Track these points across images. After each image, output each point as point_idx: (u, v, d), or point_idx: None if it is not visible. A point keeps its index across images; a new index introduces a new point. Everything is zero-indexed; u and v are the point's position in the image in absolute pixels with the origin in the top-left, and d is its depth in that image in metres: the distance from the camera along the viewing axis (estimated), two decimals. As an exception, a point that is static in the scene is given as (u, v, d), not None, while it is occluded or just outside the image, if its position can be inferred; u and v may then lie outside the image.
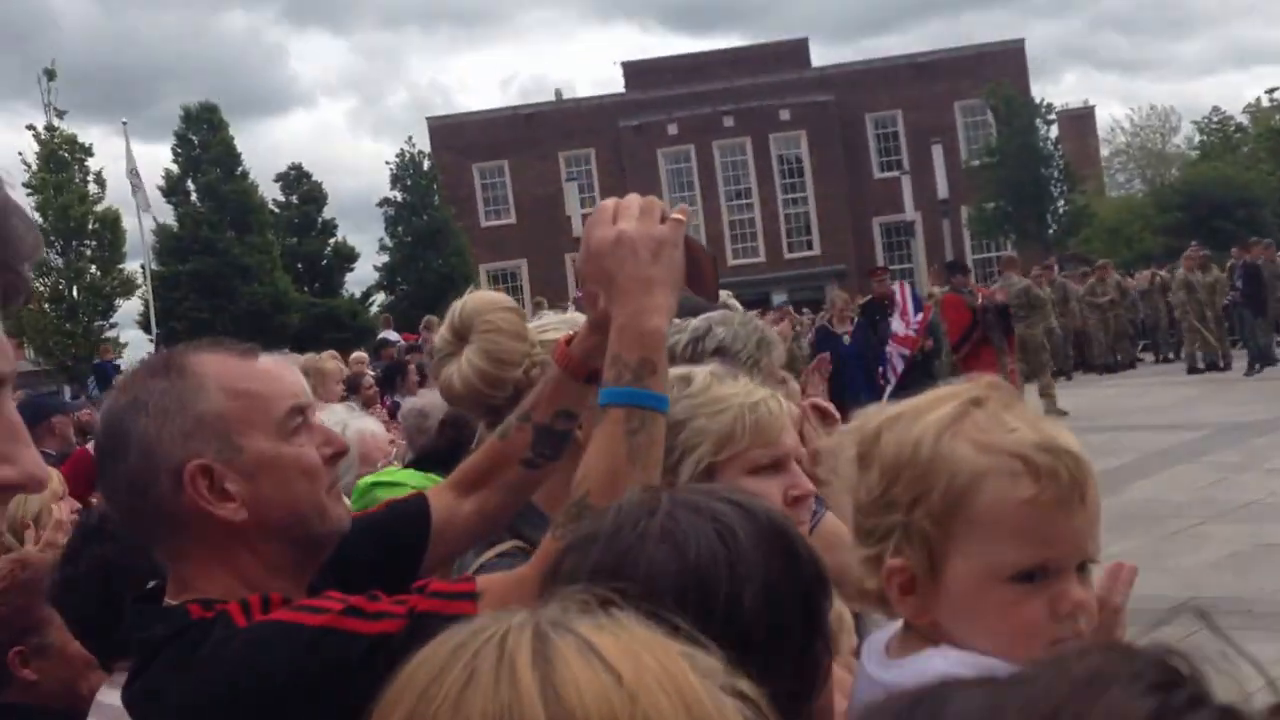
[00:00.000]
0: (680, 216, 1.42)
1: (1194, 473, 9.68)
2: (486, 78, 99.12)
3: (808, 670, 1.10)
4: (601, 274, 1.39)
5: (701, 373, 1.68)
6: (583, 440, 1.53)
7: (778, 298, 38.47)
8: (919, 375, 9.68)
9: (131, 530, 1.39)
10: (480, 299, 2.08)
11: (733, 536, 1.07)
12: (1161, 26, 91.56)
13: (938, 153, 33.31)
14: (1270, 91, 44.53)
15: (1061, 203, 35.91)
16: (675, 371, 1.68)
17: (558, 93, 51.79)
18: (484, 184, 47.49)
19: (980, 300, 12.54)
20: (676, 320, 2.30)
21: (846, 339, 10.78)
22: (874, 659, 1.23)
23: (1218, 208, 34.00)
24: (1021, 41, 44.73)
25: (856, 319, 11.31)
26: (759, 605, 1.06)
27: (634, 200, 1.41)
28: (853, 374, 10.20)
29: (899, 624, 1.23)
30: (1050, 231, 34.95)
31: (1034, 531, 1.12)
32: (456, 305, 2.08)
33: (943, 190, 32.98)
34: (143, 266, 29.79)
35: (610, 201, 1.43)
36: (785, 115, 44.00)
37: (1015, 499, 1.11)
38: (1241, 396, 14.63)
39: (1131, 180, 48.28)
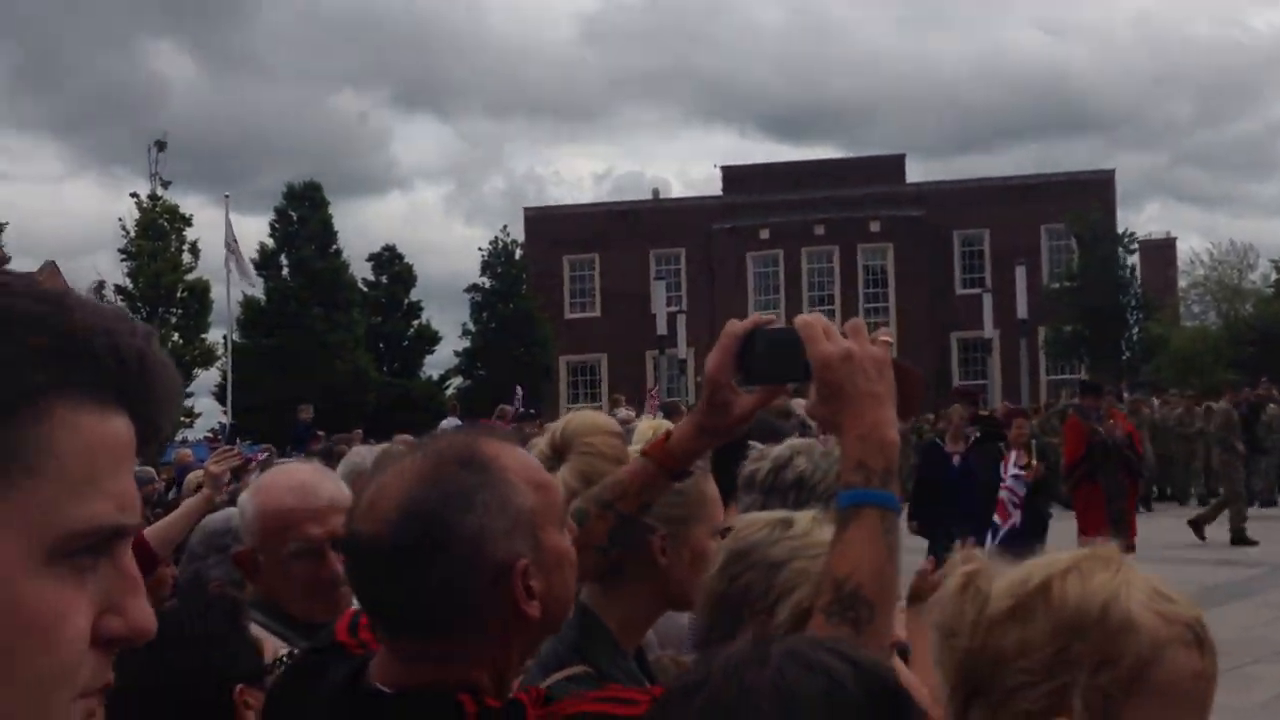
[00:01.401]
0: (888, 339, 1.48)
1: (1246, 610, 9.89)
2: (583, 172, 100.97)
3: None
4: (831, 387, 1.42)
5: (804, 517, 1.67)
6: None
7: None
8: (1029, 515, 9.30)
9: (403, 621, 1.29)
10: (584, 419, 2.13)
11: (843, 693, 0.99)
12: (1242, 165, 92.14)
13: (1020, 273, 34.25)
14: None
15: (1136, 330, 36.71)
16: (777, 515, 1.71)
17: (655, 191, 52.73)
18: (573, 275, 48.01)
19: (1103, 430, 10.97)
20: (758, 446, 2.45)
21: (956, 459, 9.47)
22: None
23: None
24: (1111, 172, 45.73)
25: (974, 437, 9.89)
26: None
27: (852, 323, 1.49)
28: (962, 500, 9.07)
29: None
30: (1124, 358, 35.76)
31: (1200, 704, 1.13)
32: (559, 423, 2.14)
33: (1022, 310, 33.87)
34: (225, 337, 30.03)
35: (815, 318, 1.49)
36: (875, 227, 44.80)
37: (1191, 670, 1.12)
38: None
39: (1206, 312, 48.81)
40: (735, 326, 1.53)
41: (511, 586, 1.26)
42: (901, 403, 1.46)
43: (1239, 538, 14.45)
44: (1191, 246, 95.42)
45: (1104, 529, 10.08)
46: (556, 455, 2.01)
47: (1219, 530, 16.00)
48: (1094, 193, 41.61)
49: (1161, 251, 46.99)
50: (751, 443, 2.43)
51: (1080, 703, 1.10)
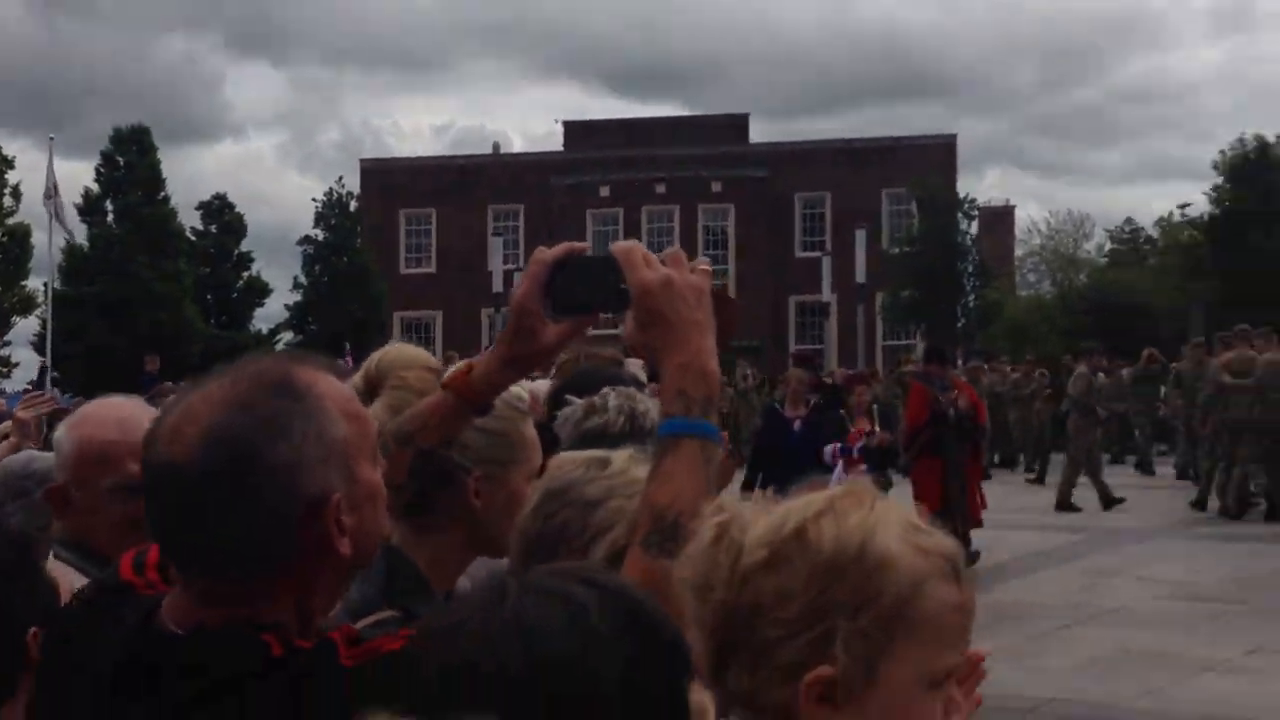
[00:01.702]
0: (707, 268, 1.49)
1: (1068, 575, 10.03)
2: (422, 124, 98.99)
3: None
4: (652, 315, 1.43)
5: (621, 455, 1.65)
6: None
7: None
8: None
9: (204, 557, 1.21)
10: (399, 353, 2.07)
11: (587, 622, 1.01)
12: (1082, 134, 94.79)
13: (860, 237, 34.07)
14: (1182, 207, 46.34)
15: (973, 297, 36.82)
16: (594, 454, 1.68)
17: (495, 146, 51.93)
18: (409, 230, 47.35)
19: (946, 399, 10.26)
20: (575, 400, 2.39)
21: (797, 424, 9.09)
22: None
23: (1121, 315, 35.17)
24: (953, 137, 46.00)
25: (813, 402, 9.64)
26: (617, 696, 1.01)
27: (671, 252, 1.47)
28: (802, 466, 8.63)
29: None
30: (960, 324, 35.82)
31: (960, 635, 1.13)
32: (375, 355, 2.07)
33: (861, 274, 33.72)
34: (46, 284, 29.21)
35: (633, 245, 1.48)
36: (717, 188, 44.75)
37: (951, 603, 1.11)
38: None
39: (1042, 281, 49.72)
40: (545, 254, 1.53)
41: (324, 521, 1.21)
42: (720, 331, 1.46)
43: (1064, 503, 14.34)
44: (1030, 215, 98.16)
45: (938, 503, 9.48)
46: (370, 389, 1.96)
47: (1041, 497, 16.18)
48: (936, 158, 41.76)
49: (1000, 219, 47.48)
50: (568, 396, 2.41)
51: (842, 648, 1.08)
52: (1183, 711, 6.05)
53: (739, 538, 1.13)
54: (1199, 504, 13.84)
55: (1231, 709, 6.02)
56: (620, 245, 1.48)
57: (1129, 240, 53.46)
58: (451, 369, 1.78)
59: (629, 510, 1.50)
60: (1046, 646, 7.56)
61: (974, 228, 39.20)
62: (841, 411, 9.60)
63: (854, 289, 34.26)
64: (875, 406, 9.79)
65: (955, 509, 9.75)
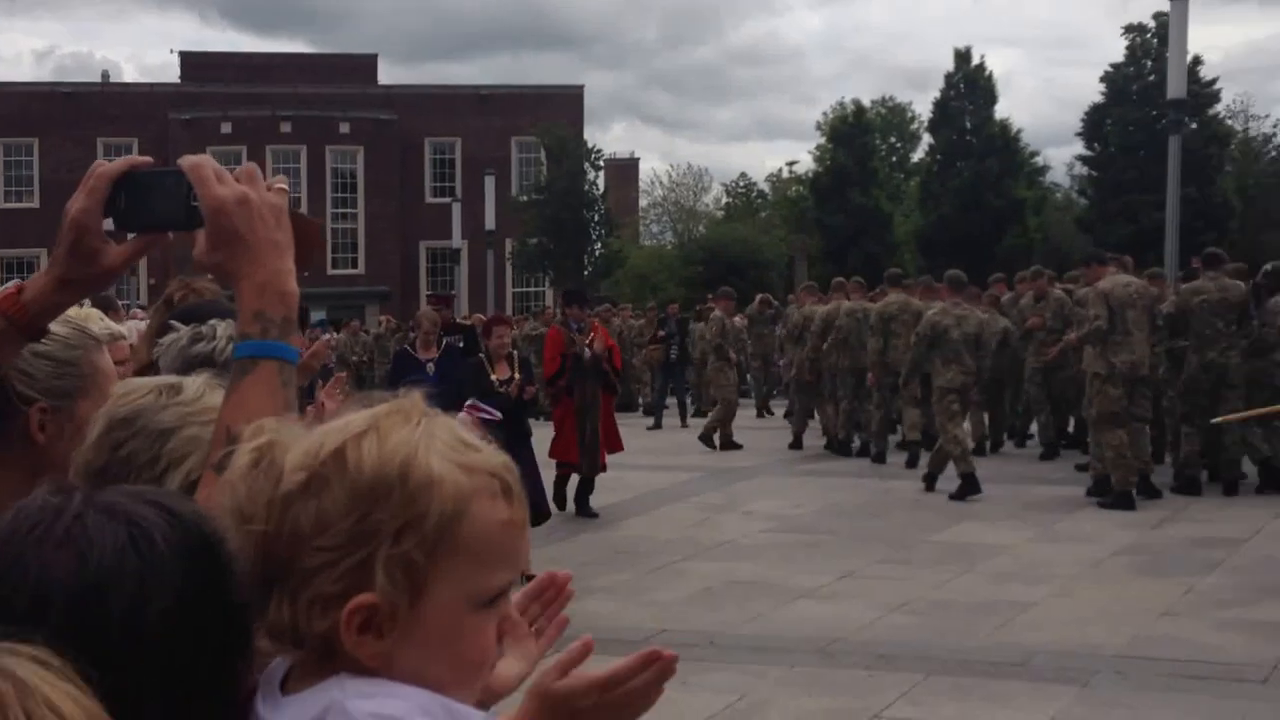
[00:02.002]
0: (284, 186, 1.42)
1: (682, 512, 10.48)
2: (21, 48, 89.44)
3: (224, 690, 1.05)
4: (227, 233, 1.35)
5: (195, 381, 1.59)
6: None
7: (316, 315, 37.54)
8: (512, 430, 7.99)
9: None
10: None
11: (149, 543, 0.99)
12: (701, 90, 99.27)
13: (490, 184, 34.16)
14: (790, 164, 49.59)
15: (599, 246, 37.79)
16: (164, 379, 1.61)
17: (104, 75, 48.33)
18: (8, 161, 43.55)
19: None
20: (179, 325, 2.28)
21: (430, 367, 9.12)
22: (267, 699, 1.09)
23: (734, 266, 37.22)
24: (581, 88, 46.79)
25: (446, 344, 9.61)
26: (169, 620, 1.00)
27: (246, 168, 1.40)
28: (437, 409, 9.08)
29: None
30: (586, 272, 36.69)
31: (510, 554, 1.09)
32: None
33: (490, 221, 33.84)
34: None
35: (204, 159, 1.39)
36: (345, 129, 43.39)
37: (499, 520, 1.08)
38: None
39: (664, 232, 51.88)
40: (106, 167, 1.43)
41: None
42: (299, 254, 1.42)
43: (713, 440, 14.96)
44: (653, 167, 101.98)
45: (573, 448, 9.82)
46: None
47: (660, 438, 16.91)
48: (564, 108, 42.31)
49: (626, 170, 48.97)
50: (172, 322, 2.33)
51: (383, 574, 1.02)
52: (783, 634, 6.46)
53: (279, 461, 1.05)
54: (794, 444, 14.92)
55: (824, 629, 6.49)
56: (189, 159, 1.39)
57: (743, 194, 56.71)
58: None
59: (205, 439, 1.45)
60: (660, 581, 7.86)
61: (601, 178, 40.16)
62: (480, 355, 9.28)
63: (484, 235, 34.34)
64: (515, 352, 9.04)
65: (586, 452, 9.93)
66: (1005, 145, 38.55)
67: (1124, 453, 9.98)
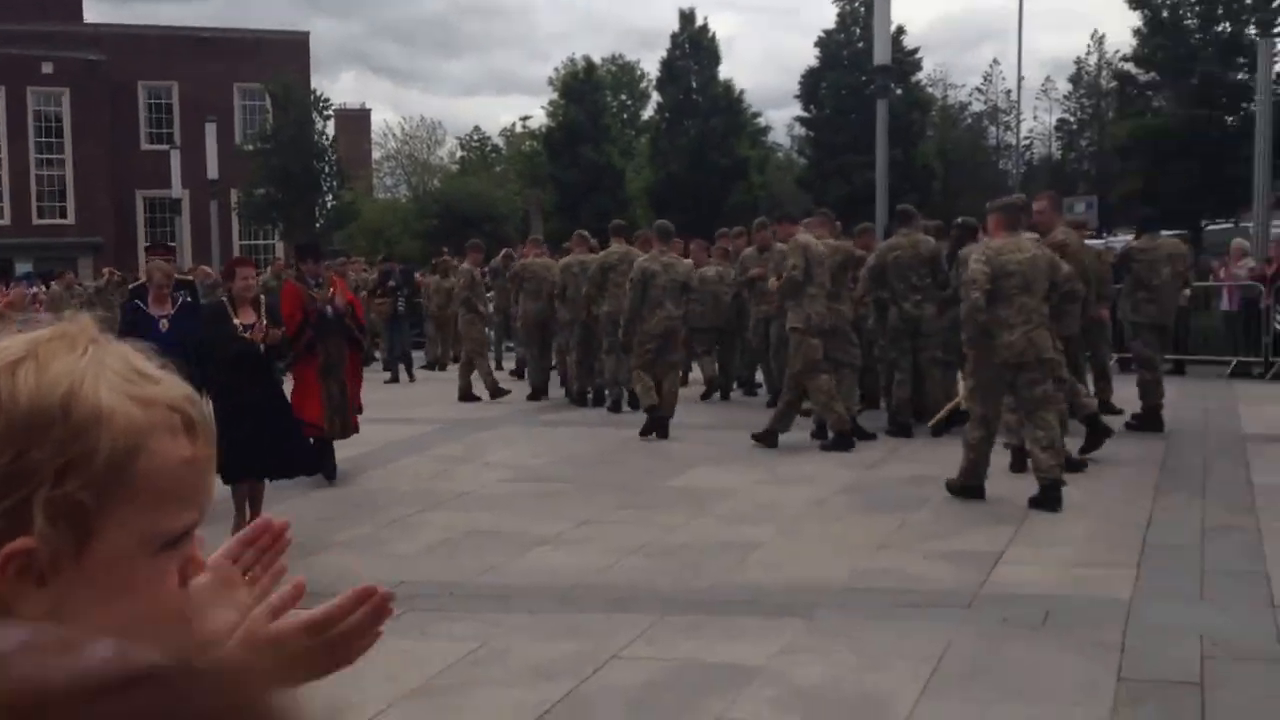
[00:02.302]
0: None
1: (421, 464, 10.36)
2: None
3: None
4: None
5: None
6: None
7: (22, 266, 34.91)
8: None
9: None
10: None
11: None
12: (434, 44, 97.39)
13: (211, 131, 32.44)
14: (524, 119, 49.34)
15: (331, 198, 36.63)
16: None
17: None
18: None
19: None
20: None
21: (164, 324, 8.37)
22: None
23: (469, 220, 36.87)
24: (306, 35, 44.99)
25: (183, 300, 8.81)
26: None
27: None
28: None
29: None
30: (319, 225, 35.51)
31: (192, 493, 1.01)
32: None
33: (213, 170, 32.18)
34: None
35: None
36: (48, 69, 40.27)
37: (178, 458, 0.99)
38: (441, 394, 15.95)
39: (399, 185, 50.76)
40: None
41: None
42: None
43: (495, 391, 14.98)
44: (385, 119, 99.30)
45: (319, 408, 9.23)
46: None
47: (399, 391, 16.75)
48: (289, 55, 40.62)
49: (357, 121, 47.57)
50: None
51: (42, 518, 0.91)
52: (522, 582, 6.49)
53: None
54: (533, 395, 15.01)
55: (563, 575, 6.56)
56: None
57: (477, 148, 56.17)
58: None
59: None
60: (398, 533, 7.74)
61: (330, 128, 38.86)
62: (221, 299, 8.34)
63: (207, 185, 32.65)
64: (262, 296, 8.40)
65: (335, 412, 9.50)
66: (729, 106, 39.71)
67: (833, 397, 10.54)
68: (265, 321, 8.01)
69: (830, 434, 10.58)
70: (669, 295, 11.73)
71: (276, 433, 7.90)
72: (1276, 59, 27.89)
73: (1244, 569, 6.33)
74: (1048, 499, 7.90)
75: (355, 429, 9.77)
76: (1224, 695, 4.57)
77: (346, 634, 1.13)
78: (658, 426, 11.43)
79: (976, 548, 6.92)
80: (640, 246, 13.34)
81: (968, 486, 8.32)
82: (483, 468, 10.19)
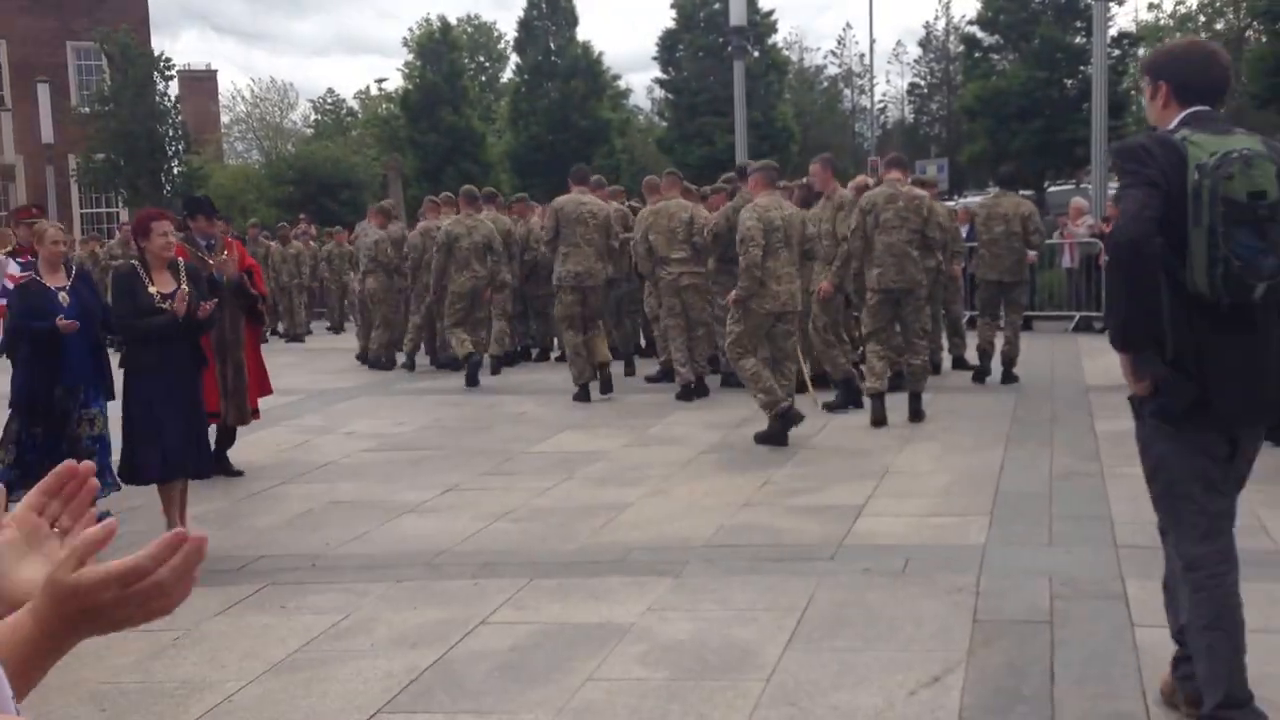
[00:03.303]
0: None
1: (280, 436, 10.11)
2: None
3: None
4: None
5: None
6: None
7: None
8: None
9: None
10: None
11: None
12: (280, 3, 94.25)
13: (44, 93, 30.93)
14: (379, 81, 48.30)
15: (178, 163, 35.28)
16: None
17: None
18: None
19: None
20: None
21: (65, 298, 7.21)
22: None
23: (326, 185, 35.99)
24: (144, -10, 43.06)
25: (77, 269, 7.62)
26: None
27: None
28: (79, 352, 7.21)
29: None
30: (166, 191, 34.19)
31: None
32: None
33: (48, 134, 30.72)
34: None
35: None
36: None
37: None
38: (333, 365, 15.65)
39: (250, 150, 49.19)
40: None
41: None
42: None
43: (378, 361, 15.04)
44: (233, 81, 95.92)
45: (213, 393, 8.03)
46: None
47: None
48: (125, 11, 38.69)
49: (202, 83, 45.73)
50: None
51: None
52: (387, 551, 6.39)
53: None
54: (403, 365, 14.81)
55: (429, 543, 6.49)
56: None
57: (332, 111, 54.78)
58: None
59: None
60: (259, 506, 7.55)
61: (174, 89, 37.34)
62: (132, 262, 6.85)
63: (42, 150, 31.17)
64: (180, 259, 6.81)
65: (232, 392, 8.35)
66: (589, 68, 39.47)
67: (579, 352, 11.39)
68: (186, 288, 6.60)
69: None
70: (474, 255, 12.55)
71: (200, 425, 6.87)
72: (1111, 22, 29.01)
73: (1090, 513, 6.61)
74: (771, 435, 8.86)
75: (255, 414, 8.71)
76: (1071, 632, 4.76)
77: (160, 584, 1.08)
78: (472, 379, 12.45)
79: (839, 502, 7.07)
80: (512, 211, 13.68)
81: (772, 431, 8.88)
82: (345, 437, 10.01)
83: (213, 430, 7.93)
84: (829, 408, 10.23)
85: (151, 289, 6.59)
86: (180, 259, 6.84)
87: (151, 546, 1.07)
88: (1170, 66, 3.72)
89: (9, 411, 7.34)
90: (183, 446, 6.57)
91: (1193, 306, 3.51)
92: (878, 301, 9.62)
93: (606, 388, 11.45)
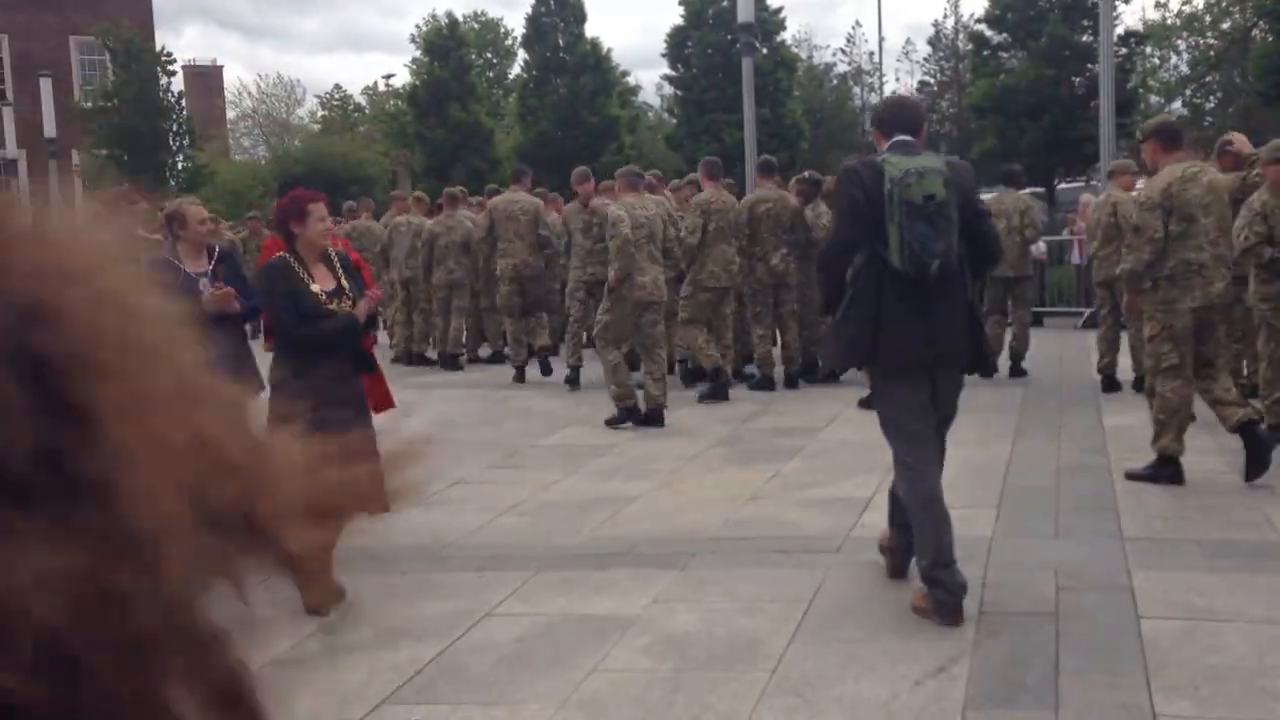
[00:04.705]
0: None
1: (287, 430, 10.09)
2: None
3: None
4: None
5: None
6: None
7: None
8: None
9: None
10: None
11: None
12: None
13: (46, 87, 30.97)
14: (386, 77, 48.41)
15: (182, 159, 35.34)
16: None
17: None
18: None
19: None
20: None
21: (206, 285, 6.14)
22: None
23: (335, 181, 36.02)
24: (145, -15, 43.08)
25: (219, 251, 6.57)
26: None
27: None
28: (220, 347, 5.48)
29: None
30: (171, 187, 34.26)
31: None
32: None
33: (51, 129, 30.78)
34: None
35: None
36: None
37: None
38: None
39: (257, 146, 49.33)
40: None
41: None
42: None
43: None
44: (239, 77, 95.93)
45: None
46: None
47: None
48: (128, 6, 38.75)
49: (207, 79, 45.81)
50: None
51: None
52: (393, 542, 6.36)
53: None
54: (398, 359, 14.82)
55: (435, 535, 6.48)
56: None
57: (339, 107, 54.84)
58: None
59: None
60: (264, 501, 7.55)
61: (176, 85, 37.39)
62: (284, 256, 5.53)
63: (44, 145, 31.23)
64: (331, 251, 5.80)
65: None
66: (597, 64, 39.43)
67: (518, 338, 12.63)
68: (347, 285, 5.47)
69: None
70: (450, 254, 13.56)
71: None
72: (1118, 21, 28.93)
73: (1096, 505, 6.59)
74: (651, 419, 9.57)
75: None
76: (1076, 623, 4.75)
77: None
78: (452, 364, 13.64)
79: (846, 495, 7.06)
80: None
81: (619, 418, 9.55)
82: (351, 431, 9.99)
83: None
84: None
85: (314, 287, 5.33)
86: (334, 248, 5.72)
87: None
88: (880, 114, 5.33)
89: None
90: None
91: (891, 277, 4.77)
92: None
93: (545, 370, 12.43)
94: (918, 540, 4.94)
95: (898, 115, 5.17)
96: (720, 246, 10.90)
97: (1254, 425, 6.95)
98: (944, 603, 4.79)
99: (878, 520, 6.49)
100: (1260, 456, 6.84)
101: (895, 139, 5.01)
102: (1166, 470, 6.98)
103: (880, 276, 4.78)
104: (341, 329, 5.34)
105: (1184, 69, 38.70)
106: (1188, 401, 7.08)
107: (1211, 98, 37.57)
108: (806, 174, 12.32)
